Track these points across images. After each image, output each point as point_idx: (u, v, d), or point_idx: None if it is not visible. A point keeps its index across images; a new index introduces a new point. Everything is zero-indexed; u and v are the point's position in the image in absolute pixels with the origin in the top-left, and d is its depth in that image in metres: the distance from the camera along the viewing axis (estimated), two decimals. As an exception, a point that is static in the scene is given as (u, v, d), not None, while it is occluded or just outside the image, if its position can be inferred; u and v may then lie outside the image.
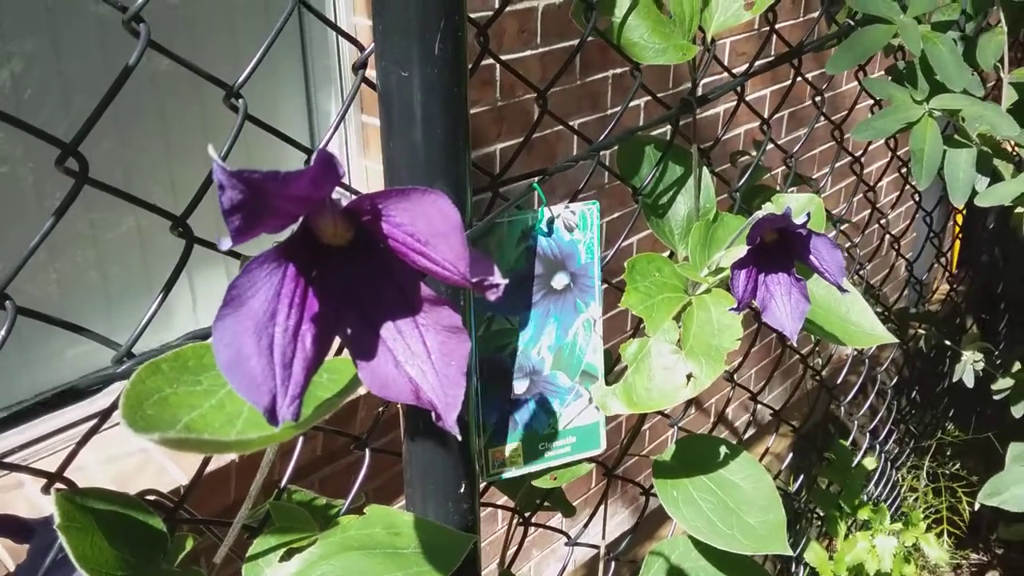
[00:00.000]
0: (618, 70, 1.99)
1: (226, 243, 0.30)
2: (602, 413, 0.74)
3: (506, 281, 0.34)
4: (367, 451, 0.67)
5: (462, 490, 0.64)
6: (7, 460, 0.51)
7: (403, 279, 0.37)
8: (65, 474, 0.49)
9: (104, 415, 0.49)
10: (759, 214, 0.69)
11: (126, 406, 0.35)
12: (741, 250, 0.69)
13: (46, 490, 0.48)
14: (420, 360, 0.37)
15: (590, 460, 0.76)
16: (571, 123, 1.92)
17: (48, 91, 1.36)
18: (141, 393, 0.37)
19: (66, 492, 0.46)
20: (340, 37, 1.65)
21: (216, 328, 0.33)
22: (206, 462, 0.60)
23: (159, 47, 0.46)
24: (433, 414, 0.37)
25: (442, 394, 0.37)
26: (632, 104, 2.05)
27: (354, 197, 0.34)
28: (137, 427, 0.34)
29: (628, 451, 0.87)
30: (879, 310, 1.62)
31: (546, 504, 0.82)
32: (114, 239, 1.49)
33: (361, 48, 0.60)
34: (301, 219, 0.35)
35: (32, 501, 1.37)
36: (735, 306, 0.68)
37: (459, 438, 0.35)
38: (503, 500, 0.86)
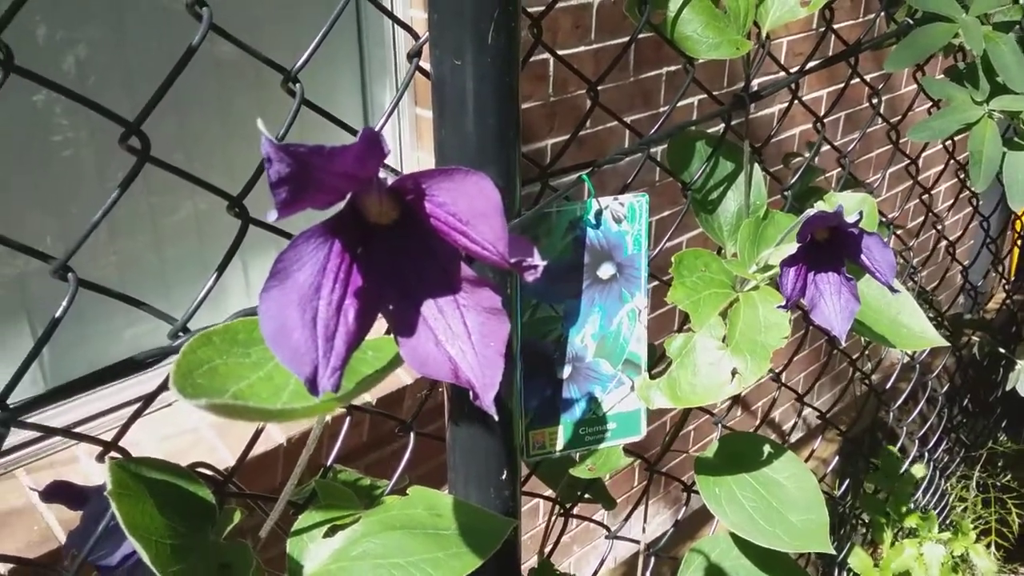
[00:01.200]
0: (672, 67, 1.98)
1: (272, 215, 0.31)
2: (643, 402, 0.74)
3: (545, 263, 0.34)
4: (412, 435, 0.68)
5: (504, 476, 0.65)
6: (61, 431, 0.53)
7: (445, 259, 0.37)
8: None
9: (162, 386, 0.51)
10: (810, 211, 0.68)
11: (177, 374, 0.36)
12: (791, 247, 0.69)
13: (100, 458, 0.50)
14: (460, 340, 0.38)
15: (634, 455, 0.76)
16: (624, 119, 1.91)
17: (111, 77, 1.39)
18: (192, 362, 0.38)
19: (119, 460, 0.48)
20: (396, 30, 1.67)
21: (262, 300, 0.34)
22: (256, 436, 0.62)
23: (221, 31, 0.47)
24: (471, 393, 0.37)
25: (480, 374, 0.37)
26: (686, 102, 2.04)
27: (399, 176, 0.35)
28: (187, 394, 0.35)
29: (670, 448, 0.87)
30: (932, 315, 1.59)
31: (587, 496, 0.82)
32: (172, 223, 1.53)
33: (417, 38, 0.61)
34: (348, 196, 0.36)
35: (86, 476, 1.41)
36: (783, 304, 0.68)
37: (496, 417, 0.36)
38: (547, 493, 0.87)
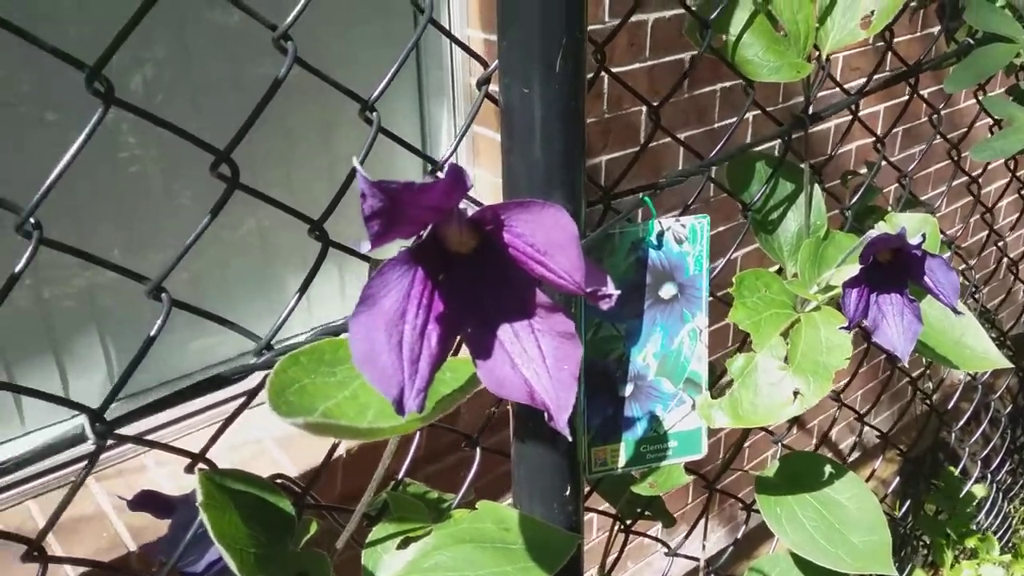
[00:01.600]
0: (726, 84, 1.98)
1: (365, 246, 0.33)
2: (704, 420, 0.75)
3: (618, 292, 0.36)
4: (478, 450, 0.70)
5: (567, 492, 0.66)
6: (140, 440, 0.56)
7: (521, 285, 0.39)
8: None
9: (248, 397, 0.53)
10: (873, 233, 0.69)
11: (271, 392, 0.39)
12: (853, 268, 0.69)
13: (189, 469, 0.52)
14: (535, 363, 0.39)
15: (692, 472, 0.76)
16: (678, 136, 1.92)
17: (178, 95, 1.45)
18: (283, 382, 0.40)
19: (207, 472, 0.50)
20: (453, 51, 1.70)
21: (352, 324, 0.36)
22: (333, 448, 0.64)
23: (304, 64, 0.50)
24: (546, 414, 0.39)
25: (554, 396, 0.39)
26: (732, 119, 2.04)
27: (479, 207, 0.37)
28: (281, 412, 0.37)
29: (730, 466, 0.88)
30: (994, 335, 1.56)
31: (647, 513, 0.83)
32: (236, 238, 1.58)
33: (485, 64, 0.63)
34: (430, 226, 0.38)
35: (154, 484, 1.45)
36: (846, 325, 0.69)
37: (569, 439, 0.37)
38: (602, 508, 0.88)
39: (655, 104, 0.73)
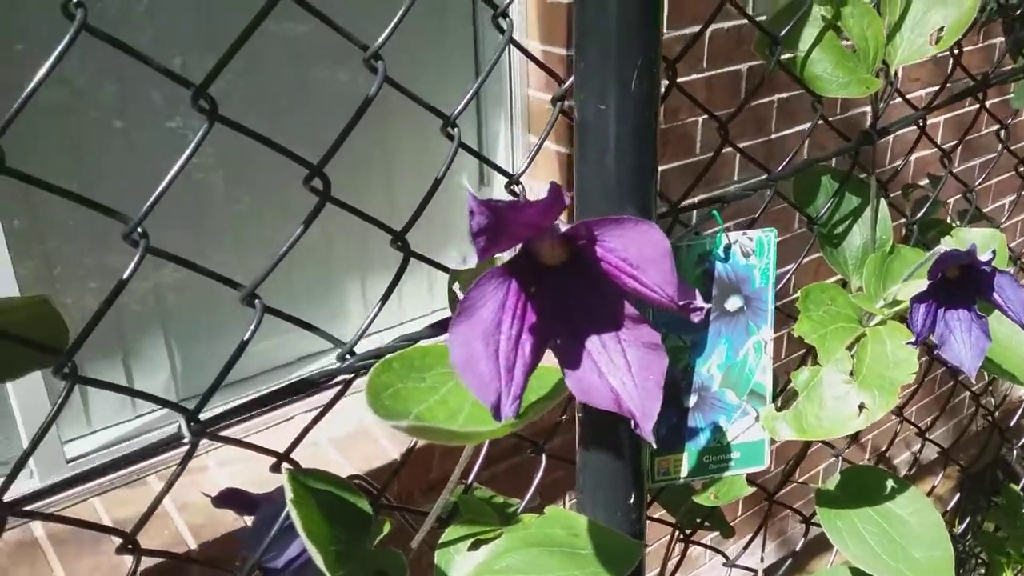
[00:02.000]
0: (784, 94, 1.98)
1: (473, 259, 0.35)
2: (767, 432, 0.75)
3: (708, 306, 0.37)
4: (543, 455, 0.72)
5: (631, 500, 0.67)
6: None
7: (610, 297, 0.41)
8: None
9: (328, 404, 0.55)
10: (941, 249, 0.69)
11: (369, 396, 0.41)
12: (921, 284, 0.70)
13: (275, 468, 0.54)
14: (621, 372, 0.41)
15: (753, 483, 0.77)
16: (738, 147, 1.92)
17: (247, 103, 1.49)
18: (378, 386, 0.42)
19: (294, 471, 0.53)
20: (511, 62, 1.72)
21: (451, 333, 0.38)
22: (410, 451, 0.65)
23: (393, 83, 0.52)
24: (632, 422, 0.40)
25: (640, 405, 0.40)
26: (797, 128, 2.03)
27: (572, 223, 0.38)
28: (379, 414, 0.39)
29: (790, 478, 0.88)
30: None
31: (706, 523, 0.84)
32: (301, 245, 1.61)
33: (560, 82, 0.65)
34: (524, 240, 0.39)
35: (215, 483, 1.49)
36: (912, 340, 0.69)
37: (654, 445, 0.39)
38: (659, 515, 0.89)
39: (723, 119, 0.74)
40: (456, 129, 0.58)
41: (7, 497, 0.45)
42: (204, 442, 1.47)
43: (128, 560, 0.52)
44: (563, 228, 0.39)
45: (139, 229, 0.46)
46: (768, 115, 1.96)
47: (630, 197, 0.63)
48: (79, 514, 1.41)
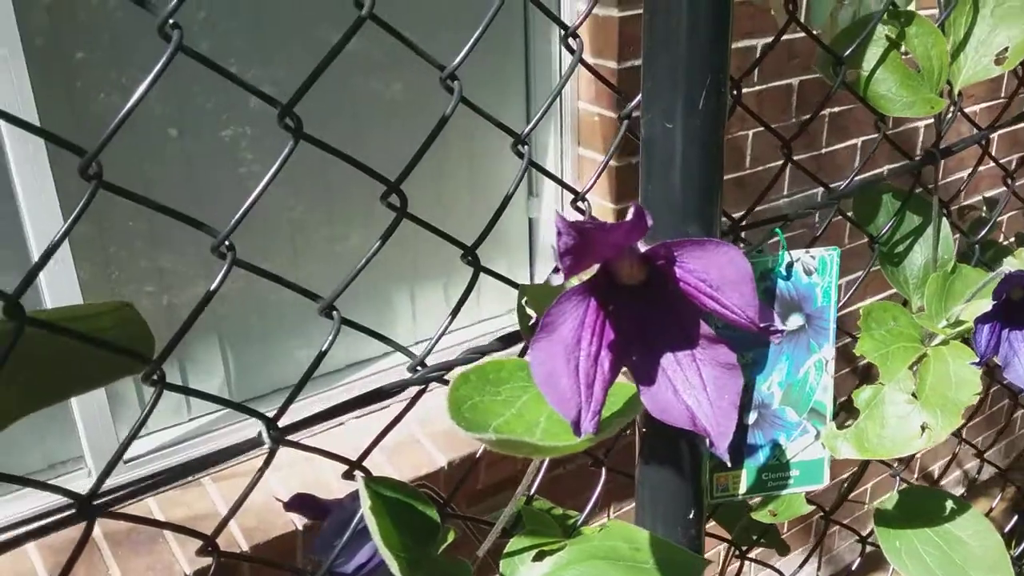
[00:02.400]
0: (835, 109, 1.97)
1: (559, 278, 0.36)
2: (827, 450, 0.75)
3: (787, 328, 0.38)
4: (603, 469, 0.72)
5: (691, 516, 0.68)
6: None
7: (687, 317, 0.41)
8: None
9: (401, 413, 0.57)
10: (1006, 269, 0.69)
11: (451, 408, 0.42)
12: (984, 304, 0.69)
13: (347, 476, 0.56)
14: (697, 391, 0.41)
15: (811, 502, 0.77)
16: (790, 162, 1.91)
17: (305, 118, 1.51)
18: (457, 399, 0.43)
19: (368, 479, 0.54)
20: (561, 74, 1.73)
21: (533, 349, 0.39)
22: (474, 463, 0.66)
23: (468, 103, 0.53)
24: (707, 441, 0.41)
25: (715, 423, 0.41)
26: (848, 143, 2.02)
27: (652, 244, 0.39)
28: (461, 426, 0.41)
29: (847, 497, 0.88)
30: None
31: (762, 541, 0.84)
32: (352, 254, 1.64)
33: (626, 99, 0.66)
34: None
35: (266, 486, 1.51)
36: (976, 360, 0.69)
37: (729, 464, 0.39)
38: (711, 529, 0.89)
39: (787, 139, 0.74)
40: (527, 147, 0.59)
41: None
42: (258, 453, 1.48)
43: (179, 560, 0.54)
44: (643, 248, 0.40)
45: (226, 242, 0.48)
46: (819, 129, 1.95)
47: (695, 214, 0.63)
48: (134, 513, 1.44)
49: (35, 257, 1.30)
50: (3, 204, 1.27)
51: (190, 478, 1.50)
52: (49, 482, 0.47)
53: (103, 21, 1.31)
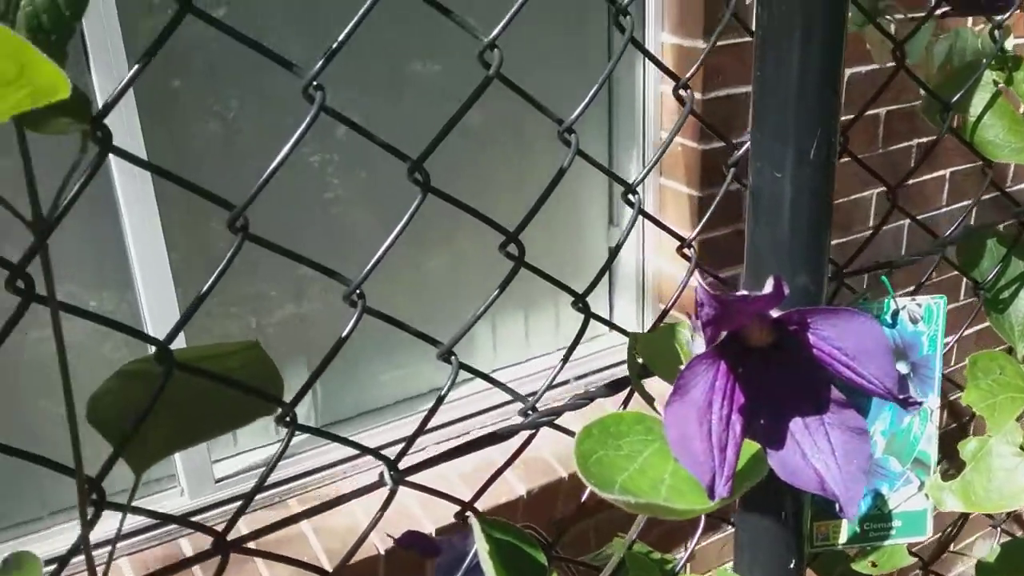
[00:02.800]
0: (922, 139, 1.93)
1: (701, 346, 0.37)
2: (930, 501, 0.74)
3: (925, 400, 0.38)
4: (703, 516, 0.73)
5: (792, 565, 0.68)
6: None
7: (817, 382, 0.42)
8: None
9: (512, 457, 0.58)
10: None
11: (578, 464, 0.43)
12: (1100, 358, 0.68)
13: (459, 516, 0.57)
14: (825, 455, 0.42)
15: (913, 554, 0.76)
16: (869, 192, 1.89)
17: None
18: (583, 453, 0.44)
19: (481, 521, 0.55)
20: (646, 102, 1.74)
21: (666, 411, 0.40)
22: (581, 507, 0.67)
23: (585, 156, 0.55)
24: (836, 505, 0.41)
25: (844, 489, 0.41)
26: (937, 174, 1.98)
27: (785, 310, 0.40)
28: (590, 482, 0.42)
29: (947, 549, 0.86)
30: None
31: (857, 588, 0.83)
32: (430, 272, 1.66)
33: (733, 147, 0.67)
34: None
35: (348, 510, 1.54)
36: (1091, 416, 0.67)
37: (857, 529, 0.40)
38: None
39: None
40: (637, 196, 0.60)
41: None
42: (342, 469, 1.51)
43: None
44: (775, 313, 0.40)
45: (358, 291, 0.50)
46: (906, 160, 1.92)
47: (803, 263, 0.63)
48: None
49: (138, 277, 1.36)
50: (110, 227, 1.33)
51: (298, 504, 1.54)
52: (191, 519, 0.49)
53: (198, 48, 1.36)
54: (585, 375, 1.79)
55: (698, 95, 1.65)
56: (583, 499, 0.63)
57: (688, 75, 0.62)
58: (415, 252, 1.62)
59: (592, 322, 0.61)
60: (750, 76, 0.58)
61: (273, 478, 1.52)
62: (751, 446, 0.45)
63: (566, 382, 1.78)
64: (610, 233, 1.83)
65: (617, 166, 1.81)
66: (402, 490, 0.56)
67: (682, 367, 0.40)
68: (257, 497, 1.50)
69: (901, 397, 0.38)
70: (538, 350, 1.82)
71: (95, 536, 0.47)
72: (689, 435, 0.39)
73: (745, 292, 0.36)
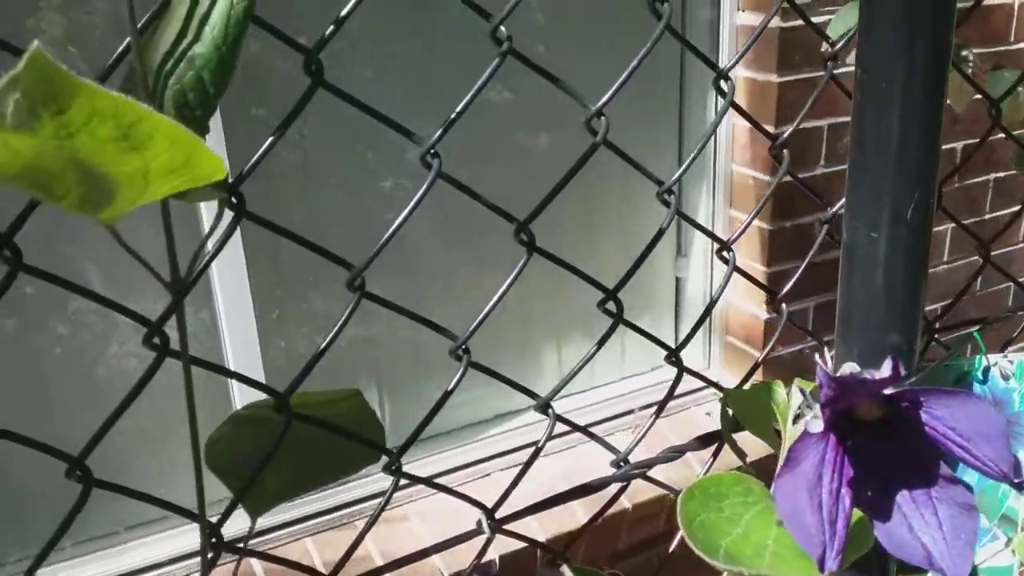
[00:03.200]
0: (1000, 174, 1.90)
1: (819, 426, 0.38)
2: (1017, 557, 0.73)
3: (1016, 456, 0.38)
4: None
5: (878, 621, 0.67)
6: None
7: (926, 457, 0.42)
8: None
9: (604, 508, 0.59)
10: None
11: (683, 527, 0.44)
12: None
13: (551, 563, 0.59)
14: (932, 530, 0.42)
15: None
16: (944, 227, 1.86)
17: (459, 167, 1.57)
18: (686, 516, 0.45)
19: (572, 567, 0.56)
20: (717, 132, 1.75)
21: (777, 484, 0.41)
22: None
23: (685, 217, 0.56)
24: (941, 580, 0.42)
25: (952, 564, 0.42)
26: (1014, 208, 1.94)
27: (898, 389, 0.41)
28: (697, 547, 0.43)
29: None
30: None
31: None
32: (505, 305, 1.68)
33: (826, 205, 0.67)
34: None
35: (415, 535, 1.56)
36: None
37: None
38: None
39: (986, 241, 0.74)
40: (732, 253, 0.61)
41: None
42: (406, 493, 1.53)
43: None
44: (888, 391, 0.41)
45: (464, 346, 0.52)
46: (983, 195, 1.89)
47: (897, 322, 0.64)
48: (291, 552, 1.52)
49: (218, 295, 1.40)
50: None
51: (344, 521, 1.56)
52: (298, 563, 0.51)
53: (272, 76, 1.40)
54: (650, 405, 1.79)
55: (771, 128, 1.65)
56: (670, 550, 0.64)
57: (728, 66, 0.62)
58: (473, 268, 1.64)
59: (654, 347, 0.61)
60: (823, 110, 0.59)
61: (336, 500, 1.55)
62: (855, 513, 0.46)
63: (630, 411, 1.78)
64: (678, 263, 1.84)
65: (686, 198, 1.81)
66: (458, 512, 0.57)
67: (778, 426, 0.41)
68: (319, 520, 1.54)
69: (1017, 481, 0.39)
70: (604, 378, 1.83)
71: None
72: (800, 508, 0.40)
73: (865, 375, 0.37)
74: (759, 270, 1.72)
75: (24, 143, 0.30)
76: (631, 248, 1.76)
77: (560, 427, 1.73)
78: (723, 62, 1.68)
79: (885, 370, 0.37)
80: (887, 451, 0.43)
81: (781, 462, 0.40)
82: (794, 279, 0.70)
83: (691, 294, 1.84)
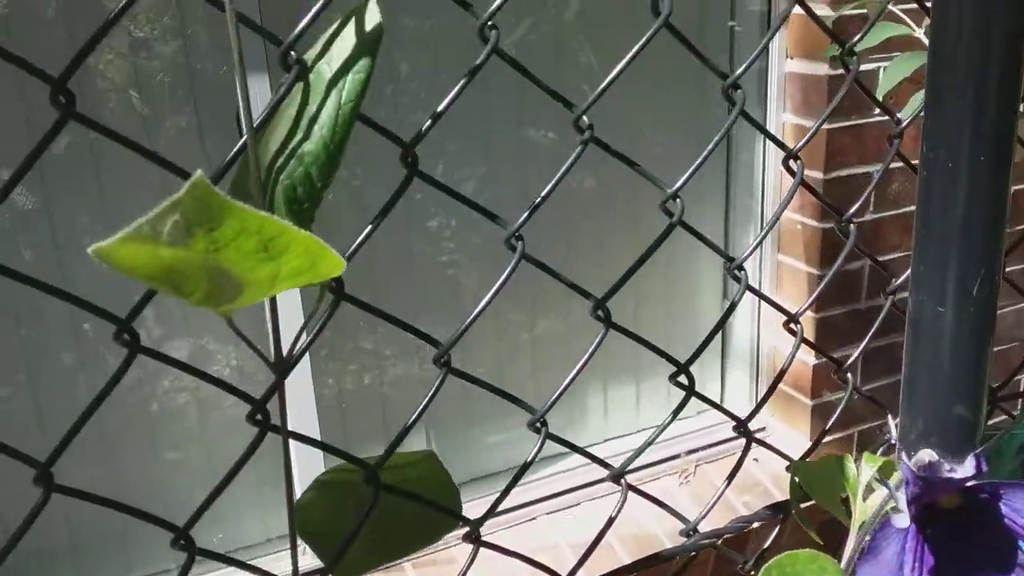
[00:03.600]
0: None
1: (905, 521, 0.39)
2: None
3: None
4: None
5: None
6: None
7: (1005, 546, 0.43)
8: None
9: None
10: None
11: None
12: None
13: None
14: (1012, 616, 0.43)
15: None
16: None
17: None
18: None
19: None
20: (764, 181, 1.76)
21: (859, 570, 0.42)
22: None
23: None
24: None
25: (1030, 651, 0.42)
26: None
27: (978, 482, 0.42)
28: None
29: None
30: None
31: None
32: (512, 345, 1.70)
33: (891, 276, 0.68)
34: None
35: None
36: None
37: None
38: None
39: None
40: (743, 272, 0.62)
41: None
42: (455, 534, 1.54)
43: None
44: (969, 483, 0.42)
45: (542, 418, 0.53)
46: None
47: (963, 395, 0.64)
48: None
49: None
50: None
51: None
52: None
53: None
54: (695, 450, 1.80)
55: (819, 175, 1.65)
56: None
57: (798, 146, 0.63)
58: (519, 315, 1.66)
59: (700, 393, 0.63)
60: (870, 156, 0.60)
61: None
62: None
63: (676, 456, 1.78)
64: (724, 306, 1.84)
65: (732, 241, 1.82)
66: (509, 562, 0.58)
67: (853, 506, 0.42)
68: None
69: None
70: (648, 421, 1.84)
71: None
72: (882, 597, 0.41)
73: (949, 474, 0.38)
74: (808, 316, 1.72)
75: (171, 254, 0.33)
76: (673, 302, 1.77)
77: (598, 471, 1.71)
78: (771, 110, 1.70)
79: (968, 468, 0.39)
80: (967, 538, 0.44)
81: (853, 540, 0.42)
82: (860, 348, 0.71)
83: (738, 336, 1.84)
